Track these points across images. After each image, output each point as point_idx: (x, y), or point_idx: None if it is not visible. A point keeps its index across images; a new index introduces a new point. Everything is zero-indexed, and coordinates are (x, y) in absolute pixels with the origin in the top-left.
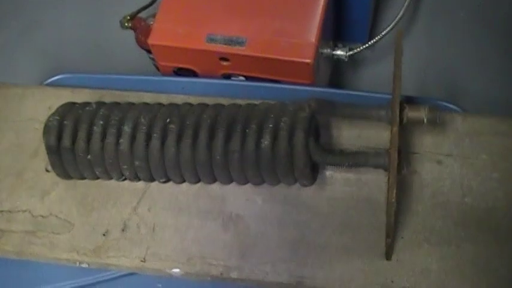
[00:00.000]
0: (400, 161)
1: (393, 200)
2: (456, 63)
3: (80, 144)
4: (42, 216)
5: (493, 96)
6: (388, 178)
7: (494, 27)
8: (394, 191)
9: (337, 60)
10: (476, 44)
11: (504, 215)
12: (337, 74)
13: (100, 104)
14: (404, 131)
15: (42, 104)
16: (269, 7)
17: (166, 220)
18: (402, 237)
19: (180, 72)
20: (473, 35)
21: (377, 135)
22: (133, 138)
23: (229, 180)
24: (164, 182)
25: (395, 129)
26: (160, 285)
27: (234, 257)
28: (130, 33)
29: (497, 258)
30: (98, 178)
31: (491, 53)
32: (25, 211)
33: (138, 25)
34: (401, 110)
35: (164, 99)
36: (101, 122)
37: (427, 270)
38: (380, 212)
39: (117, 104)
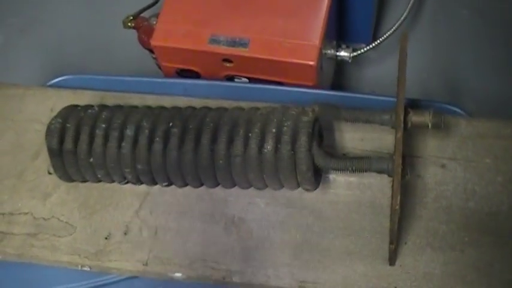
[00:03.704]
0: (404, 167)
1: (397, 207)
2: (460, 64)
3: (82, 147)
4: (44, 218)
5: (497, 98)
6: (392, 184)
7: (498, 27)
8: (398, 198)
9: (341, 61)
10: (481, 44)
11: (507, 219)
12: (341, 74)
13: (102, 107)
14: (408, 134)
15: (44, 105)
16: (272, 8)
17: (169, 223)
18: (405, 243)
19: (182, 73)
20: (477, 35)
21: (380, 139)
22: (135, 141)
23: (231, 184)
24: (166, 186)
25: (400, 135)
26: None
27: (236, 260)
28: (133, 33)
29: (500, 263)
30: (100, 181)
31: (496, 54)
32: (27, 213)
33: (140, 25)
34: (405, 115)
35: (167, 101)
36: (103, 125)
37: (430, 275)
38: (383, 216)
39: (119, 107)
